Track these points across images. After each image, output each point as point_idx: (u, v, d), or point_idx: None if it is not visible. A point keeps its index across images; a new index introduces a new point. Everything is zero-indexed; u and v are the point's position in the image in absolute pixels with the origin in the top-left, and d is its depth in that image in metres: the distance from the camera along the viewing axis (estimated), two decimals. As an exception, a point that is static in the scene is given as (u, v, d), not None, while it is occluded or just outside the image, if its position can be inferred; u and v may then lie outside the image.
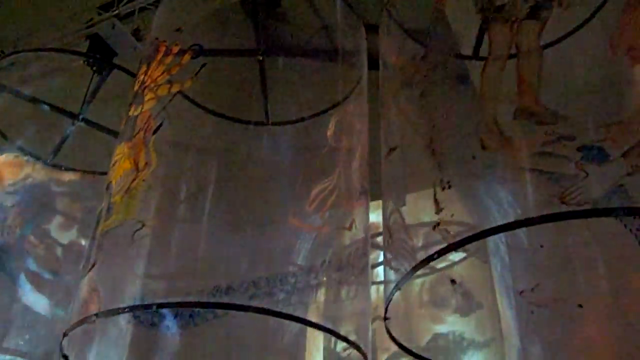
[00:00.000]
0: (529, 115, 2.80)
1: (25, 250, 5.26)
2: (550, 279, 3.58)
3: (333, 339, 4.78)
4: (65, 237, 5.52)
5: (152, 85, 3.83)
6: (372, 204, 3.93)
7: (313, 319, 3.83)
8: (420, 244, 3.08)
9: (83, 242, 5.28)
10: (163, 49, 3.99)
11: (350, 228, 3.71)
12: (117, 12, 5.67)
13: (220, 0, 4.82)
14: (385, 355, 5.06)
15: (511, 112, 2.83)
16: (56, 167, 5.63)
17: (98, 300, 3.22)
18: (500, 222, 3.51)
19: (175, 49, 3.93)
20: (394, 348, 3.63)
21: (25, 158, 5.53)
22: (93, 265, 3.31)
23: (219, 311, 4.86)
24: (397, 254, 3.04)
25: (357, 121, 4.17)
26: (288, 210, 4.04)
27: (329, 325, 3.55)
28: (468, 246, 4.01)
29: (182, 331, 4.89)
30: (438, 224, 2.81)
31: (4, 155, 5.54)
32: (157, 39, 4.16)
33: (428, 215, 3.45)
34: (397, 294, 3.02)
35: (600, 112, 2.94)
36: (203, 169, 4.02)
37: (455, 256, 4.50)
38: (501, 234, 3.50)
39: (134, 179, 3.51)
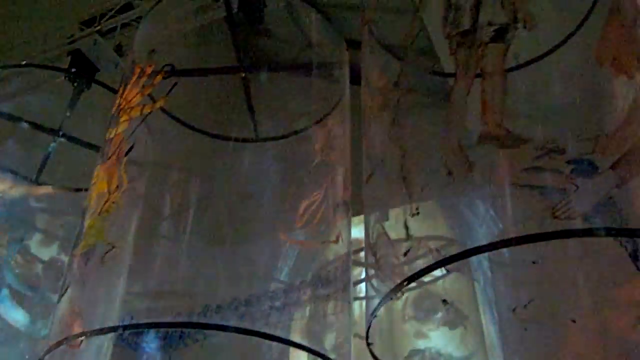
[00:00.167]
0: (492, 139, 2.82)
1: (6, 267, 5.20)
2: (536, 294, 3.59)
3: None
4: (45, 254, 5.46)
5: (127, 107, 3.84)
6: (355, 219, 3.93)
7: (297, 334, 3.81)
8: (402, 259, 3.08)
9: (64, 258, 5.23)
10: (138, 70, 4.00)
11: (337, 241, 3.71)
12: (99, 28, 5.66)
13: (203, 18, 4.83)
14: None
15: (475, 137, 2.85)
16: (35, 182, 5.57)
17: (78, 322, 3.19)
18: (482, 237, 3.53)
19: (149, 70, 3.94)
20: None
21: (4, 176, 5.48)
22: (67, 289, 3.29)
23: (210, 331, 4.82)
24: (379, 269, 3.03)
25: (339, 136, 4.18)
26: (275, 225, 4.03)
27: (312, 340, 3.53)
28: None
29: (167, 352, 4.84)
30: (408, 250, 2.81)
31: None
32: (133, 61, 4.17)
33: (411, 229, 3.45)
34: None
35: (581, 126, 2.97)
36: (185, 186, 4.01)
37: (439, 271, 4.50)
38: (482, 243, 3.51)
39: (105, 201, 3.51)
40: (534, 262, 3.31)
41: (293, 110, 4.68)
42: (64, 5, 6.51)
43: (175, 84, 3.91)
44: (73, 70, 5.60)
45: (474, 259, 3.98)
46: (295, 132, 4.48)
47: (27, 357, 4.84)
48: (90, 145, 5.40)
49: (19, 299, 5.13)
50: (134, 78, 3.97)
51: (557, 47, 3.62)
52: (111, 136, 3.82)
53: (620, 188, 2.55)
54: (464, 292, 4.52)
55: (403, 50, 3.36)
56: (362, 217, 3.49)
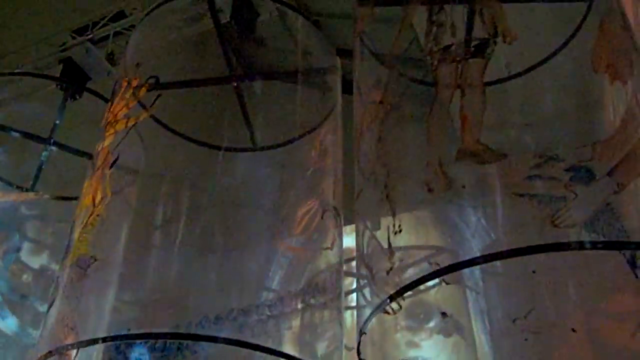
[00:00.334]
0: (470, 155, 2.83)
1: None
2: (531, 303, 3.58)
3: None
4: (35, 262, 5.44)
5: (113, 120, 3.86)
6: (346, 228, 3.93)
7: (288, 343, 3.80)
8: (393, 268, 3.07)
9: (54, 267, 5.20)
10: (125, 83, 4.01)
11: (332, 247, 3.71)
12: (91, 36, 5.66)
13: (195, 27, 4.84)
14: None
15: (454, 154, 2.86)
16: (26, 190, 5.55)
17: (67, 332, 3.17)
18: (473, 246, 3.53)
19: (135, 83, 3.95)
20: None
21: None
22: (56, 299, 3.27)
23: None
24: (370, 279, 3.02)
25: (332, 145, 4.19)
26: (268, 234, 4.03)
27: (304, 350, 3.52)
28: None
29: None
30: (391, 268, 2.81)
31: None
32: (121, 75, 4.18)
33: (402, 239, 3.45)
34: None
35: (577, 134, 2.98)
36: (177, 195, 4.00)
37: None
38: (475, 253, 3.51)
39: (90, 215, 3.52)
40: (533, 272, 3.31)
41: (285, 118, 4.69)
42: (56, 13, 6.51)
43: (159, 95, 3.92)
44: (68, 80, 5.58)
45: (466, 269, 3.98)
46: (290, 141, 4.48)
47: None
48: (82, 153, 5.39)
49: (11, 307, 5.10)
50: (121, 91, 3.98)
51: (549, 58, 3.65)
52: (99, 149, 3.83)
53: (618, 194, 2.56)
54: (456, 301, 4.52)
55: (393, 60, 3.36)
56: (353, 226, 3.49)
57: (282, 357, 3.27)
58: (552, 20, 3.69)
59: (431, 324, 4.68)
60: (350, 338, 4.18)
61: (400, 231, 2.88)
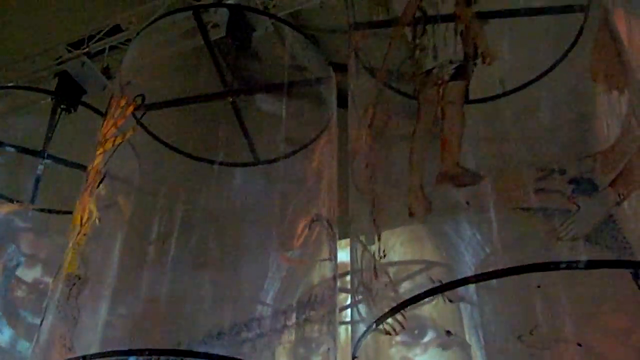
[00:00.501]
0: (449, 179, 2.84)
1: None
2: (525, 318, 3.57)
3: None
4: (29, 275, 5.41)
5: (103, 140, 3.87)
6: (341, 242, 3.93)
7: (282, 358, 3.79)
8: (389, 282, 3.08)
9: (47, 280, 5.19)
10: (114, 103, 4.02)
11: (326, 261, 3.71)
12: (87, 50, 5.66)
13: (190, 42, 4.86)
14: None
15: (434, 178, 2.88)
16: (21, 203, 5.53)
17: (59, 348, 3.16)
18: (469, 261, 3.53)
19: (122, 102, 3.96)
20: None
21: None
22: (48, 314, 3.26)
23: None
24: (366, 293, 3.02)
25: (327, 159, 4.20)
26: (264, 247, 4.03)
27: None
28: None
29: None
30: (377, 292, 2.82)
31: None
32: (112, 94, 4.20)
33: (397, 253, 3.45)
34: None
35: (577, 145, 3.00)
36: (172, 210, 4.00)
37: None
38: (469, 274, 3.51)
39: (78, 234, 3.52)
40: (538, 287, 3.30)
41: (280, 133, 4.70)
42: (52, 27, 6.53)
43: (144, 113, 3.94)
44: (64, 93, 5.58)
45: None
46: (286, 156, 4.49)
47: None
48: (78, 165, 5.37)
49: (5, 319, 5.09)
50: (111, 110, 4.00)
51: (545, 73, 3.68)
52: (89, 169, 3.85)
53: (620, 205, 2.56)
54: (451, 316, 4.51)
55: (386, 75, 3.39)
56: (348, 240, 3.50)
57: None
58: (547, 35, 3.73)
59: (426, 339, 4.67)
60: (344, 353, 4.17)
61: (384, 256, 2.87)
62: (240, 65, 4.98)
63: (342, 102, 4.30)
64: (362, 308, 3.04)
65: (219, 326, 3.96)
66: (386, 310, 2.76)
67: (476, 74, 3.39)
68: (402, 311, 2.79)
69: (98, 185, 3.69)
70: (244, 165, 4.67)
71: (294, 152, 4.46)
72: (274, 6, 5.00)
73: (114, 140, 3.84)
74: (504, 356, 3.61)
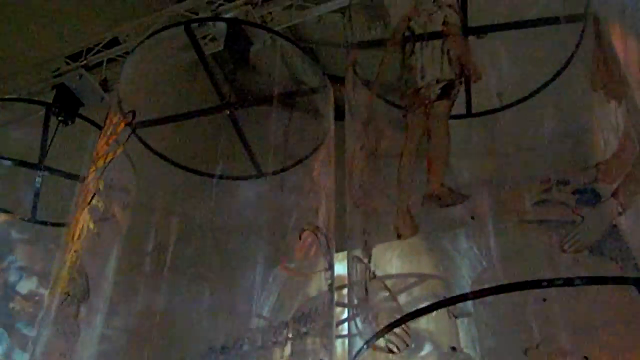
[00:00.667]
0: (435, 199, 2.86)
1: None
2: (522, 332, 3.56)
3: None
4: (24, 287, 5.39)
5: (96, 157, 3.88)
6: (338, 254, 3.93)
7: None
8: (386, 295, 3.07)
9: (42, 291, 5.16)
10: (109, 120, 4.04)
11: (323, 274, 3.71)
12: (85, 62, 5.67)
13: (187, 55, 4.87)
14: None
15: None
16: (33, 221, 5.51)
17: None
18: (466, 274, 3.53)
19: (115, 119, 3.98)
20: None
21: None
22: (43, 328, 3.25)
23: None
24: (362, 307, 3.02)
25: (325, 172, 4.21)
26: (264, 260, 4.03)
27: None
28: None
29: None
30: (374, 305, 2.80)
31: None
32: (109, 111, 4.21)
33: (394, 267, 3.45)
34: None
35: (575, 157, 3.01)
36: (167, 222, 4.00)
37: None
38: (466, 287, 3.50)
39: (71, 250, 3.53)
40: (544, 300, 3.29)
41: (278, 145, 4.71)
42: (50, 39, 6.54)
43: (134, 130, 3.95)
44: (61, 105, 5.58)
45: (455, 294, 3.96)
46: (283, 170, 4.50)
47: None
48: (76, 177, 5.35)
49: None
50: (105, 128, 4.02)
51: (539, 90, 3.70)
52: (83, 186, 3.87)
53: (622, 215, 2.55)
54: (448, 329, 4.50)
55: (380, 89, 3.41)
56: (345, 253, 3.49)
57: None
58: (544, 48, 3.75)
59: (423, 353, 4.65)
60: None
61: (374, 277, 2.87)
62: (237, 78, 4.99)
63: (340, 115, 4.32)
64: (359, 322, 3.04)
65: (215, 340, 3.94)
66: (383, 324, 2.75)
67: (476, 88, 3.42)
68: (403, 327, 2.78)
69: (89, 202, 3.68)
70: (244, 178, 4.67)
71: (292, 165, 4.47)
72: (272, 20, 5.02)
73: (105, 158, 3.85)
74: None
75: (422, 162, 2.97)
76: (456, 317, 3.38)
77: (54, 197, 5.56)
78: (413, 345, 4.66)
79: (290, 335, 3.76)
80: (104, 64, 5.68)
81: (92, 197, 3.70)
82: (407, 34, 3.32)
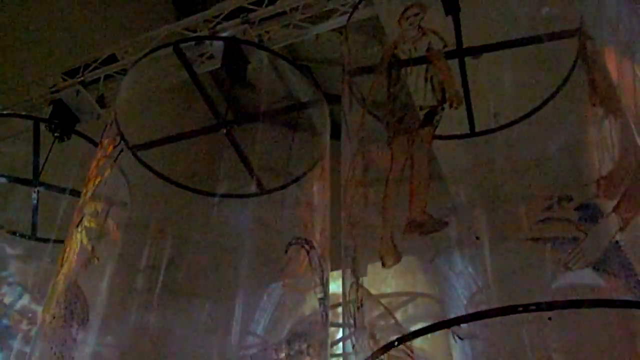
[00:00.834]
0: (417, 227, 2.87)
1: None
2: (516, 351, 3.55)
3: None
4: (17, 303, 5.36)
5: (90, 177, 3.89)
6: (333, 273, 3.92)
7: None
8: (381, 314, 3.06)
9: (34, 308, 5.14)
10: (101, 144, 4.07)
11: (317, 293, 3.70)
12: (82, 78, 5.68)
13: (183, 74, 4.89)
14: None
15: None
16: (33, 238, 5.49)
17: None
18: (460, 293, 3.52)
19: (105, 141, 4.00)
20: None
21: None
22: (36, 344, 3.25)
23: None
24: (357, 326, 3.01)
25: (320, 190, 4.21)
26: (258, 278, 4.02)
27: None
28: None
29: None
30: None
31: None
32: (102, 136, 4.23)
33: (389, 285, 3.44)
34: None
35: (574, 174, 3.01)
36: (162, 240, 4.00)
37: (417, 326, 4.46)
38: (461, 306, 3.50)
39: (57, 275, 3.53)
40: (549, 319, 3.28)
41: (274, 164, 4.72)
42: (48, 55, 6.56)
43: (121, 151, 3.96)
44: (56, 121, 5.58)
45: (450, 314, 3.95)
46: (281, 188, 4.50)
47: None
48: (71, 192, 5.34)
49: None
50: (99, 149, 4.05)
51: (540, 107, 3.72)
52: (77, 208, 3.88)
53: (624, 231, 2.54)
54: (442, 348, 4.48)
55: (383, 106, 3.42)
56: (340, 271, 3.49)
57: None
58: (539, 69, 3.77)
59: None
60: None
61: (362, 306, 2.87)
62: (235, 96, 5.01)
63: (336, 133, 4.34)
64: (354, 341, 3.03)
65: (208, 358, 3.93)
66: (379, 343, 2.74)
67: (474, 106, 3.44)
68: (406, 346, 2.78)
69: (84, 221, 3.68)
70: (246, 196, 4.66)
71: (290, 183, 4.47)
72: (269, 39, 5.05)
73: (95, 181, 3.85)
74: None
75: (406, 189, 2.99)
76: (461, 339, 3.36)
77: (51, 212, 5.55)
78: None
79: (284, 355, 3.74)
80: (101, 80, 5.69)
81: (87, 216, 3.70)
82: (393, 60, 3.35)
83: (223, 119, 4.81)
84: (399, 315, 3.32)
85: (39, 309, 4.75)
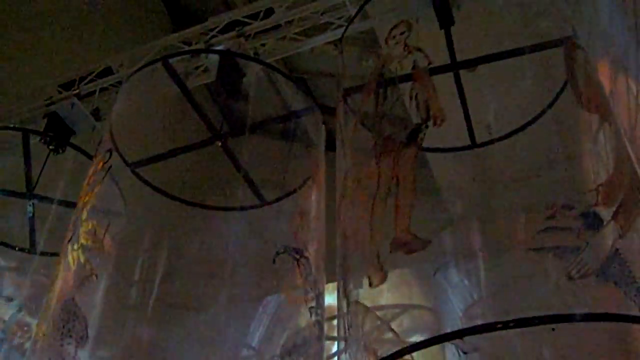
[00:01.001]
0: (401, 245, 2.87)
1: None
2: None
3: None
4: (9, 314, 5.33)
5: (84, 192, 3.90)
6: (328, 285, 3.91)
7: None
8: (376, 326, 3.05)
9: (28, 320, 5.11)
10: (96, 158, 4.07)
11: (313, 305, 3.69)
12: (77, 91, 5.67)
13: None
14: None
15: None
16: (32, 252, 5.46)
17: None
18: (456, 305, 3.52)
19: (100, 156, 4.00)
20: None
21: None
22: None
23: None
24: (353, 339, 3.00)
25: (316, 202, 4.21)
26: (253, 290, 4.01)
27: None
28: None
29: None
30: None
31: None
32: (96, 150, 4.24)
33: (385, 298, 3.43)
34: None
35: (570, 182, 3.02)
36: (156, 253, 3.99)
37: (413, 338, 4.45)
38: (457, 313, 3.50)
39: (49, 292, 3.53)
40: (553, 330, 3.26)
41: (268, 176, 4.72)
42: (43, 67, 6.56)
43: (111, 166, 3.96)
44: (52, 134, 5.58)
45: (446, 326, 3.95)
46: (277, 200, 4.50)
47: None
48: (67, 204, 5.32)
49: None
50: (93, 164, 4.05)
51: (537, 118, 3.74)
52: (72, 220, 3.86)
53: (623, 238, 2.54)
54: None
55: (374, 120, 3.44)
56: (335, 284, 3.48)
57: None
58: (534, 79, 3.79)
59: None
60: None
61: (357, 318, 2.87)
62: (230, 108, 5.02)
63: (331, 145, 4.34)
64: (350, 354, 3.01)
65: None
66: (375, 356, 2.72)
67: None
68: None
69: (79, 235, 3.66)
70: (245, 208, 4.65)
71: (286, 195, 4.47)
72: (264, 51, 5.07)
73: (90, 195, 3.85)
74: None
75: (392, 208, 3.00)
76: (465, 353, 3.34)
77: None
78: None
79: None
80: (97, 93, 5.68)
81: (71, 238, 3.69)
82: (380, 80, 3.38)
83: (218, 131, 4.82)
84: (394, 328, 3.30)
85: (34, 322, 4.73)
